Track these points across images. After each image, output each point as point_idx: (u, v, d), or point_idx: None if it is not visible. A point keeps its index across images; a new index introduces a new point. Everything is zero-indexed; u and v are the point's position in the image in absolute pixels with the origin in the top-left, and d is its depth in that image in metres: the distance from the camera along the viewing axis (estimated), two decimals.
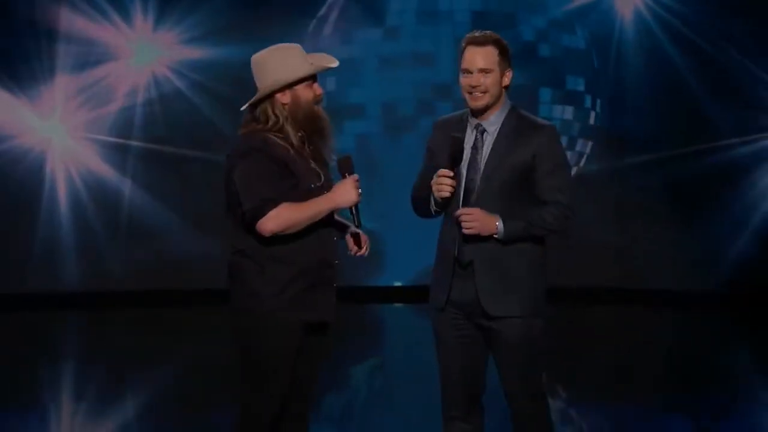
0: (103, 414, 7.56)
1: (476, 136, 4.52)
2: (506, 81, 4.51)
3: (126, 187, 11.77)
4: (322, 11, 11.70)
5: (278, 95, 4.56)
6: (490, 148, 4.50)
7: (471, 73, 4.45)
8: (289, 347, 4.44)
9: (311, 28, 11.77)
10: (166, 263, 11.71)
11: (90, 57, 11.53)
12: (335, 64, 4.63)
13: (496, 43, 4.49)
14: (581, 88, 11.72)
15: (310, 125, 4.55)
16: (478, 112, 4.49)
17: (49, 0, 11.39)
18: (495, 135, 4.50)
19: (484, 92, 4.46)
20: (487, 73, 4.45)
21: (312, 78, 4.57)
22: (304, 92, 4.55)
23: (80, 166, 11.72)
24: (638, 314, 11.33)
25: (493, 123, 4.51)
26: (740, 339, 10.52)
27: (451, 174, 4.37)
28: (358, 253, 4.59)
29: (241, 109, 4.70)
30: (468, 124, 4.53)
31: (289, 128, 4.53)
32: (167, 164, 11.72)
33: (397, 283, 11.87)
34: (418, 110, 11.47)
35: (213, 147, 11.35)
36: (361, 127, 11.56)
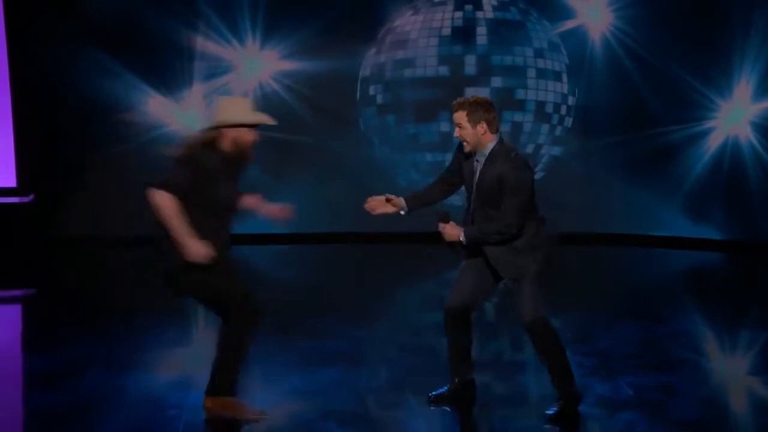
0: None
1: (475, 162, 4.70)
2: (481, 130, 4.59)
3: None
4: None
5: (226, 130, 4.53)
6: (479, 172, 4.67)
7: (456, 128, 4.66)
8: None
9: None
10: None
11: (216, 69, 11.53)
12: (272, 122, 4.60)
13: (463, 106, 4.62)
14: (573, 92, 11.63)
15: (242, 154, 4.56)
16: (476, 150, 4.66)
17: (188, 30, 11.33)
18: (483, 163, 4.65)
19: (466, 142, 4.64)
20: (461, 128, 4.63)
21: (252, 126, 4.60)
22: (246, 134, 4.57)
23: None
24: (600, 251, 11.13)
25: (483, 155, 4.65)
26: (671, 262, 10.57)
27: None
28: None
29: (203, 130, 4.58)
30: (473, 155, 4.71)
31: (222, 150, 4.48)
32: (270, 145, 11.74)
33: None
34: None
35: (301, 132, 11.52)
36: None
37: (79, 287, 9.23)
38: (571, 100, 11.66)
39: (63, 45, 11.22)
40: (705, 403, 5.09)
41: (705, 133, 11.09)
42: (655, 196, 11.30)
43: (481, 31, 11.51)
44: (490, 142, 4.66)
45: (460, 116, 4.64)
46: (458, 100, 4.70)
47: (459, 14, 11.59)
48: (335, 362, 5.79)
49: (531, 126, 11.46)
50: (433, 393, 5.06)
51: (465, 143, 4.68)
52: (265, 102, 11.75)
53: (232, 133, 4.57)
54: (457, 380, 5.00)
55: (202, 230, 4.49)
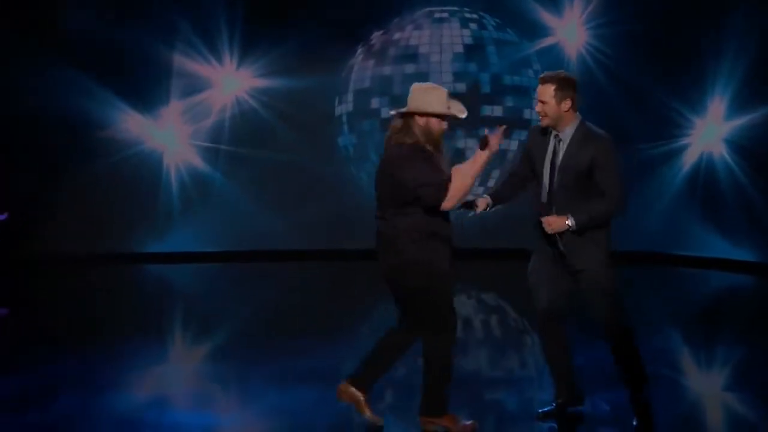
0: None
1: (555, 142, 4.56)
2: (565, 107, 4.48)
3: (217, 177, 11.99)
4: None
5: (417, 117, 4.44)
6: (562, 153, 4.53)
7: (537, 102, 4.56)
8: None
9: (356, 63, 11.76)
10: (243, 229, 11.80)
11: (193, 87, 11.73)
12: (464, 115, 4.46)
13: (553, 80, 4.51)
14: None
15: (433, 145, 4.45)
16: (554, 127, 4.53)
17: (166, 48, 11.54)
18: (567, 143, 4.52)
19: (544, 116, 4.51)
20: (544, 103, 4.50)
21: (443, 117, 4.45)
22: (435, 124, 4.45)
23: (186, 162, 12.00)
24: None
25: (566, 135, 4.52)
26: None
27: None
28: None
29: (390, 113, 4.56)
30: (551, 134, 4.58)
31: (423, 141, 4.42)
32: (245, 161, 11.84)
33: None
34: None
35: (277, 148, 11.68)
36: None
37: (52, 306, 9.18)
38: None
39: (39, 63, 11.28)
40: (682, 420, 5.06)
41: (680, 150, 11.26)
42: (632, 212, 11.45)
43: (491, 50, 11.62)
44: (572, 122, 4.54)
45: (546, 90, 4.50)
46: (546, 73, 4.60)
47: (467, 32, 11.63)
48: (314, 381, 5.73)
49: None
50: (541, 410, 4.89)
51: (542, 118, 4.55)
52: (242, 119, 11.92)
53: (421, 122, 4.45)
54: (562, 395, 4.88)
55: (438, 229, 4.39)
